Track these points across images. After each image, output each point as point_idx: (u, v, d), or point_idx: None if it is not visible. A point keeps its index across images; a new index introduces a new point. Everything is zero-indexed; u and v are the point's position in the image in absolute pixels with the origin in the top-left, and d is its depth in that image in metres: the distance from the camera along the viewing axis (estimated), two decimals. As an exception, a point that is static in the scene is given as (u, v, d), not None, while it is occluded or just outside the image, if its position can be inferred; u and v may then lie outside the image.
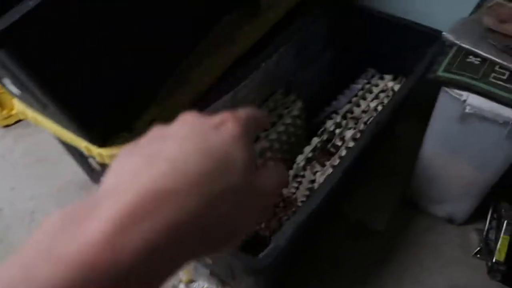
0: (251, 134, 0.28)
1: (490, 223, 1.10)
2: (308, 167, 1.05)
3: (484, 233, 1.09)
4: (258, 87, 1.13)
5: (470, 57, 0.82)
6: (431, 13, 1.21)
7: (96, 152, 0.91)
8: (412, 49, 1.22)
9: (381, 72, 1.32)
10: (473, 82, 0.77)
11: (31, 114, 0.99)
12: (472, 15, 0.90)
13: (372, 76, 1.30)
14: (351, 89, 1.28)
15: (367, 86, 1.26)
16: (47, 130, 1.03)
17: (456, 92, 0.80)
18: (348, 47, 1.35)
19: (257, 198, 0.25)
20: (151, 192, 0.21)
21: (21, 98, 0.89)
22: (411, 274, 1.06)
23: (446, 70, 0.80)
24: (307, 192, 1.10)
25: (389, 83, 1.25)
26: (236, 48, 1.13)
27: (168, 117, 0.93)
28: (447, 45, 0.86)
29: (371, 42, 1.29)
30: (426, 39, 1.15)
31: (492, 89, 0.75)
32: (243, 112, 0.29)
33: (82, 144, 0.92)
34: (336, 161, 1.04)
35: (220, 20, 1.14)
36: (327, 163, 1.03)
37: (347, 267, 1.08)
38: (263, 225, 1.12)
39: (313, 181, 1.06)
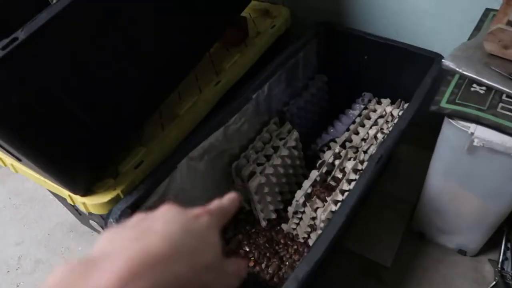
0: (221, 224, 0.34)
1: (504, 253, 1.04)
2: (308, 203, 0.99)
3: (499, 264, 1.03)
4: (250, 119, 1.08)
5: (474, 85, 0.77)
6: (424, 34, 1.17)
7: (79, 201, 0.85)
8: (407, 71, 1.17)
9: (377, 96, 1.27)
10: (481, 113, 0.71)
11: (9, 161, 0.94)
12: (471, 40, 0.85)
13: (369, 101, 1.25)
14: (347, 114, 1.23)
15: (365, 111, 1.21)
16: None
17: (462, 124, 0.75)
18: (340, 72, 1.30)
19: (225, 276, 0.30)
20: (147, 255, 0.24)
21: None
22: (423, 313, 0.99)
23: (450, 101, 0.75)
24: (309, 229, 1.04)
25: (387, 108, 1.19)
26: (224, 80, 1.08)
27: (155, 160, 0.87)
28: (447, 73, 0.81)
29: (364, 65, 1.24)
30: (421, 60, 1.10)
31: (501, 121, 0.70)
32: (214, 207, 0.35)
33: (65, 193, 0.86)
34: (337, 195, 0.97)
35: (206, 51, 1.10)
36: (328, 198, 0.97)
37: (355, 308, 1.01)
38: (263, 265, 1.05)
39: (314, 218, 1.00)
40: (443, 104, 0.75)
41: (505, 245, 1.04)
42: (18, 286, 1.14)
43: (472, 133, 0.73)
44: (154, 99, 0.93)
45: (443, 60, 0.80)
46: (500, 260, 1.03)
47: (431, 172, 0.95)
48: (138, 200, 0.83)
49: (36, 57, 0.58)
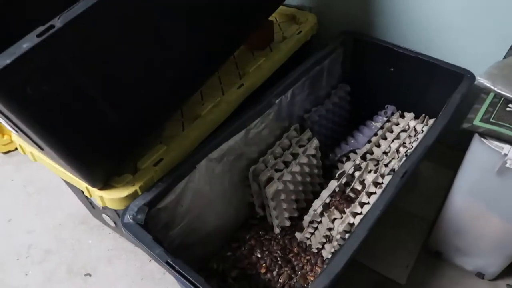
0: None
1: (523, 280, 1.01)
2: (326, 214, 0.97)
3: (518, 291, 1.00)
4: (271, 124, 1.07)
5: (510, 106, 0.74)
6: (454, 50, 1.14)
7: (96, 194, 0.84)
8: (434, 86, 1.15)
9: (400, 109, 1.24)
10: (516, 135, 0.69)
11: (29, 149, 0.93)
12: (508, 59, 0.83)
13: (392, 114, 1.22)
14: (369, 126, 1.21)
15: (387, 124, 1.18)
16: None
17: (495, 144, 0.72)
18: (364, 83, 1.28)
19: None
20: None
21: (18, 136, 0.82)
22: (436, 336, 0.96)
23: (484, 120, 0.73)
24: (324, 240, 1.02)
25: (411, 122, 1.17)
26: (248, 83, 1.07)
27: (174, 158, 0.86)
28: (481, 91, 0.78)
29: (389, 78, 1.22)
30: (449, 76, 1.08)
31: (538, 144, 0.67)
32: None
33: (82, 185, 0.85)
34: (356, 208, 0.95)
35: (232, 54, 1.09)
36: (347, 210, 0.95)
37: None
38: (274, 273, 1.03)
39: (330, 229, 0.98)
40: (477, 122, 0.73)
41: (526, 271, 1.01)
42: (26, 275, 1.14)
43: (506, 154, 0.71)
44: (178, 98, 0.92)
45: (477, 78, 0.78)
46: (520, 286, 1.00)
47: (454, 191, 0.92)
48: (156, 198, 0.82)
49: (70, 46, 0.57)
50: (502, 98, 0.75)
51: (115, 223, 1.10)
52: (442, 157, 1.25)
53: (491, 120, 0.72)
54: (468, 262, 1.04)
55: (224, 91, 1.06)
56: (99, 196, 0.84)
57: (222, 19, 0.92)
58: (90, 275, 1.13)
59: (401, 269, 1.08)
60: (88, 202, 1.11)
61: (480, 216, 0.89)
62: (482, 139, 0.74)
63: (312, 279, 1.02)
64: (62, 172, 0.88)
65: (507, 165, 0.72)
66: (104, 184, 0.83)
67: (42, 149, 0.74)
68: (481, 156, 0.78)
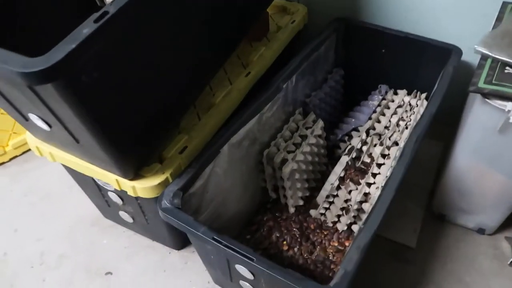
0: None
1: (520, 231, 1.11)
2: (343, 186, 1.03)
3: (516, 241, 1.10)
4: (279, 108, 1.12)
5: (508, 68, 0.83)
6: (439, 28, 1.24)
7: (128, 185, 0.85)
8: (424, 64, 1.24)
9: (392, 88, 1.33)
10: (517, 92, 0.78)
11: (48, 150, 0.93)
12: (496, 29, 0.92)
13: (386, 92, 1.31)
14: (367, 105, 1.28)
15: (384, 102, 1.26)
16: (63, 165, 0.96)
17: (499, 103, 0.81)
18: (356, 66, 1.36)
19: None
20: None
21: (45, 134, 0.82)
22: (451, 289, 1.04)
23: (487, 82, 0.81)
24: (340, 212, 1.08)
25: (405, 98, 1.26)
26: (254, 71, 1.12)
27: (197, 146, 0.90)
28: (481, 58, 0.87)
29: (380, 59, 1.30)
30: (438, 53, 1.17)
31: (537, 98, 0.76)
32: None
33: (111, 178, 0.86)
34: (370, 178, 1.02)
35: (236, 47, 1.13)
36: (362, 181, 1.01)
37: (386, 288, 1.05)
38: (296, 249, 1.08)
39: (347, 201, 1.04)
40: (481, 84, 0.81)
41: (521, 223, 1.11)
42: (44, 281, 1.12)
43: (509, 111, 0.79)
44: (200, 85, 0.96)
45: (475, 46, 0.86)
46: (517, 237, 1.10)
47: (457, 154, 1.01)
48: (187, 183, 0.85)
49: (121, 32, 0.60)
50: (499, 62, 0.84)
51: (133, 218, 1.10)
52: (431, 131, 1.35)
53: (493, 81, 0.81)
54: (470, 220, 1.13)
55: (232, 80, 1.10)
56: (131, 186, 0.85)
57: (234, 13, 0.97)
58: (111, 273, 1.13)
59: (410, 233, 1.16)
60: (104, 201, 1.11)
61: (483, 175, 0.98)
62: (486, 99, 0.82)
63: (331, 251, 1.07)
64: (86, 168, 0.89)
65: (510, 121, 0.80)
66: (135, 174, 0.85)
67: (78, 142, 0.75)
68: (484, 117, 0.86)
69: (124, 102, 0.70)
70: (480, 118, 0.88)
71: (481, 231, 1.14)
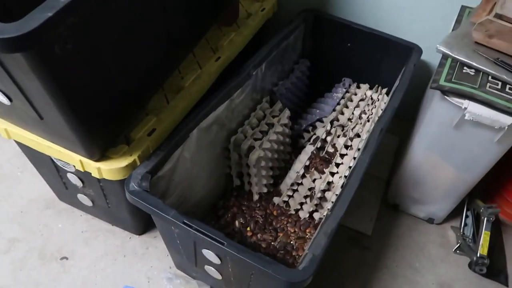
0: None
1: (465, 220, 1.20)
2: (308, 175, 1.06)
3: (461, 230, 1.18)
4: (248, 95, 1.12)
5: (465, 68, 0.89)
6: (402, 26, 1.30)
7: (93, 166, 0.82)
8: (386, 59, 1.29)
9: (355, 81, 1.38)
10: (474, 91, 0.83)
11: (3, 126, 0.87)
12: (456, 31, 0.98)
13: (349, 85, 1.35)
14: (331, 97, 1.32)
15: (347, 94, 1.31)
16: (18, 143, 0.90)
17: (456, 100, 0.86)
18: (322, 58, 1.39)
19: None
20: None
21: (3, 108, 0.77)
22: (403, 275, 1.11)
23: (447, 80, 0.86)
24: (303, 200, 1.11)
25: (367, 92, 1.31)
26: (224, 56, 1.11)
27: (166, 128, 0.89)
28: (442, 57, 0.92)
29: (346, 53, 1.34)
30: (400, 50, 1.23)
31: (491, 98, 0.83)
32: None
33: (75, 158, 0.83)
34: (333, 168, 1.05)
35: (207, 30, 1.11)
36: (326, 170, 1.05)
37: (344, 274, 1.10)
38: (259, 236, 1.10)
39: (311, 189, 1.07)
40: (442, 82, 0.86)
41: (466, 213, 1.20)
42: (-8, 266, 1.06)
43: (465, 108, 0.85)
44: (167, 70, 0.94)
45: (437, 45, 0.91)
46: (462, 226, 1.19)
47: (413, 147, 1.07)
48: (156, 166, 0.83)
49: (99, 4, 0.57)
50: (458, 62, 0.90)
51: (93, 202, 1.07)
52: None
53: (453, 80, 0.86)
54: (421, 210, 1.21)
55: (201, 64, 1.08)
56: (96, 168, 0.82)
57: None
58: (66, 258, 1.08)
59: (367, 222, 1.21)
60: (62, 183, 1.06)
61: (436, 167, 1.05)
62: (445, 96, 0.87)
63: (293, 237, 1.10)
64: (47, 147, 0.84)
65: (466, 118, 0.86)
66: (101, 155, 0.82)
67: (42, 118, 0.71)
68: (441, 112, 0.92)
69: (95, 77, 0.67)
70: (438, 114, 0.94)
71: (430, 220, 1.22)
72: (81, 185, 1.00)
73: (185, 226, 0.73)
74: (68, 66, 0.60)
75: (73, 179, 0.99)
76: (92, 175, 0.84)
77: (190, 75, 1.03)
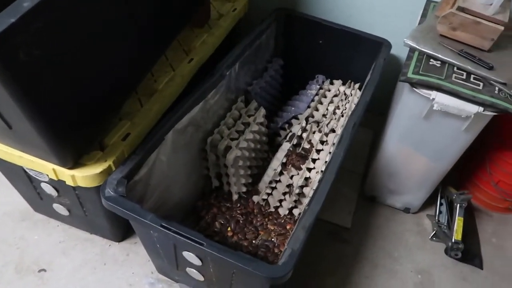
0: None
1: (439, 208, 1.23)
2: (285, 172, 1.07)
3: (436, 217, 1.22)
4: (223, 96, 1.12)
5: (432, 60, 0.92)
6: (371, 22, 1.32)
7: (67, 174, 0.81)
8: (357, 55, 1.32)
9: (328, 78, 1.40)
10: (441, 82, 0.86)
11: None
12: (422, 25, 1.01)
13: (323, 82, 1.37)
14: (305, 94, 1.33)
15: (321, 91, 1.32)
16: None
17: (424, 91, 0.89)
18: (295, 56, 1.40)
19: None
20: None
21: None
22: (383, 265, 1.14)
23: (415, 72, 0.89)
24: (282, 197, 1.12)
25: (341, 88, 1.33)
26: (197, 57, 1.11)
27: (141, 132, 0.89)
28: (409, 50, 0.95)
29: (318, 50, 1.36)
30: (370, 45, 1.25)
31: (457, 88, 0.85)
32: None
33: (48, 167, 0.81)
34: (310, 163, 1.07)
35: (179, 32, 1.11)
36: (303, 166, 1.06)
37: (325, 267, 1.11)
38: (240, 235, 1.10)
39: (289, 186, 1.08)
40: (410, 74, 0.88)
41: (440, 201, 1.24)
42: (-34, 282, 1.02)
43: (433, 99, 0.88)
44: (139, 74, 0.93)
45: (405, 39, 0.94)
46: (436, 214, 1.22)
47: (387, 139, 1.09)
48: (132, 171, 0.83)
49: (63, 8, 0.56)
50: (425, 55, 0.93)
51: (69, 211, 1.05)
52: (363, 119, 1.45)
53: (420, 72, 0.89)
54: (397, 200, 1.24)
55: (174, 66, 1.08)
56: (70, 175, 0.81)
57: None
58: (44, 270, 1.06)
59: (346, 215, 1.23)
60: (36, 193, 1.03)
61: (409, 157, 1.08)
62: (414, 88, 0.90)
63: (274, 235, 1.11)
64: (18, 157, 0.82)
65: (434, 108, 0.89)
66: (75, 162, 0.81)
67: (10, 127, 0.69)
68: (411, 104, 0.94)
69: (63, 83, 0.66)
70: (408, 106, 0.96)
71: (407, 210, 1.25)
72: (56, 194, 0.98)
73: (163, 229, 0.72)
74: (34, 72, 0.58)
75: (47, 189, 0.97)
76: (67, 183, 0.83)
77: (163, 77, 1.03)
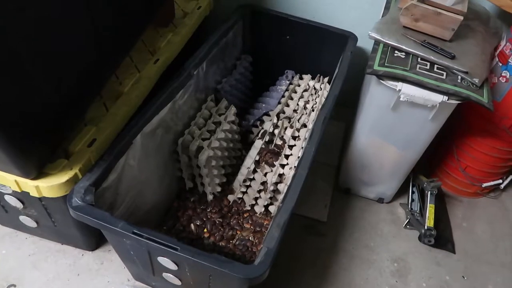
0: None
1: (411, 196, 1.26)
2: (259, 169, 1.06)
3: (409, 206, 1.25)
4: (190, 96, 1.10)
5: (396, 52, 0.93)
6: (336, 16, 1.33)
7: (30, 185, 0.77)
8: (325, 49, 1.33)
9: (298, 73, 1.40)
10: (406, 73, 0.88)
11: None
12: (385, 17, 1.02)
13: (292, 77, 1.37)
14: (275, 90, 1.33)
15: (291, 86, 1.32)
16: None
17: (390, 83, 0.90)
18: (263, 52, 1.40)
19: None
20: None
21: None
22: (360, 256, 1.15)
23: (380, 64, 0.90)
24: (257, 195, 1.11)
25: (310, 82, 1.33)
26: (163, 58, 1.09)
27: (108, 137, 0.86)
28: (374, 43, 0.96)
29: (286, 45, 1.36)
30: (336, 39, 1.26)
31: (422, 78, 0.87)
32: None
33: (9, 179, 0.77)
34: (283, 160, 1.07)
35: (142, 31, 1.08)
36: (276, 162, 1.06)
37: (304, 262, 1.12)
38: (217, 236, 1.09)
39: (263, 183, 1.08)
40: (376, 67, 0.89)
41: (411, 189, 1.27)
42: None
43: (400, 90, 0.89)
44: (101, 76, 0.90)
45: (369, 32, 0.95)
46: (409, 202, 1.25)
47: (357, 131, 1.10)
48: (99, 178, 0.80)
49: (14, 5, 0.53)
50: (389, 47, 0.94)
51: (37, 222, 1.01)
52: (334, 113, 1.46)
53: (386, 64, 0.90)
54: (371, 191, 1.26)
55: (140, 68, 1.05)
56: (34, 186, 0.78)
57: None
58: (14, 285, 1.02)
59: (321, 209, 1.24)
60: (0, 206, 0.99)
61: (380, 148, 1.09)
62: (381, 80, 0.91)
63: (251, 233, 1.10)
64: (-23, 170, 0.78)
65: (401, 99, 0.90)
66: (38, 172, 0.78)
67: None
68: (379, 96, 0.96)
69: (17, 88, 0.62)
70: (376, 98, 0.97)
71: (380, 200, 1.27)
72: (22, 206, 0.94)
73: (135, 236, 0.70)
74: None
75: (12, 201, 0.93)
76: (31, 194, 0.79)
77: (129, 79, 1.00)
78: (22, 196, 0.89)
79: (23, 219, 1.01)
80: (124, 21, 0.92)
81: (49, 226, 1.00)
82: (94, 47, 0.82)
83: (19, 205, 0.94)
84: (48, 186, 0.78)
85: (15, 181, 0.77)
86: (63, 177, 0.79)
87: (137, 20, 0.98)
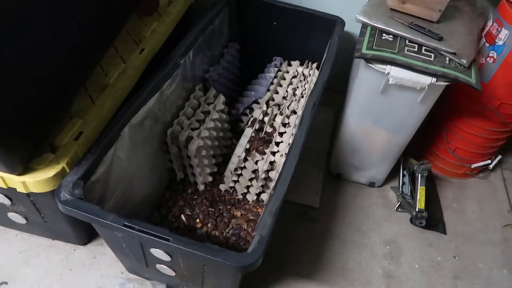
0: None
1: (402, 179, 1.27)
2: (249, 158, 1.05)
3: (400, 189, 1.25)
4: (178, 85, 1.09)
5: (384, 35, 0.92)
6: (324, 0, 1.32)
7: (17, 181, 0.76)
8: (312, 35, 1.31)
9: (286, 59, 1.39)
10: (394, 56, 0.87)
11: None
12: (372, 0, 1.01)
13: (280, 64, 1.36)
14: (264, 78, 1.32)
15: (279, 73, 1.31)
16: None
17: (379, 66, 0.89)
18: (251, 39, 1.38)
19: None
20: None
21: None
22: (353, 240, 1.16)
23: (368, 48, 0.89)
24: (249, 183, 1.11)
25: (298, 68, 1.32)
26: (149, 47, 1.07)
27: (95, 129, 0.85)
28: (362, 26, 0.95)
29: (273, 32, 1.35)
30: (324, 24, 1.25)
31: (410, 61, 0.87)
32: None
33: (-6, 175, 0.76)
34: (274, 147, 1.06)
35: (125, 20, 1.06)
36: (267, 150, 1.05)
37: (297, 248, 1.12)
38: (210, 226, 1.09)
39: (255, 171, 1.07)
40: (364, 50, 0.89)
41: (402, 172, 1.27)
42: None
43: (388, 73, 0.89)
44: (84, 67, 0.88)
45: (357, 15, 0.94)
46: (400, 185, 1.26)
47: (347, 116, 1.10)
48: (88, 171, 0.79)
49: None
50: (377, 30, 0.93)
51: (26, 218, 0.99)
52: (324, 98, 1.45)
53: (374, 47, 0.89)
54: (362, 176, 1.26)
55: (125, 58, 1.03)
56: (20, 182, 0.76)
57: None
58: (6, 283, 1.01)
59: (313, 195, 1.25)
60: (-14, 204, 0.97)
61: (370, 133, 1.09)
62: (369, 64, 0.90)
63: (244, 221, 1.10)
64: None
65: (390, 82, 0.90)
66: (24, 167, 0.76)
67: None
68: (368, 80, 0.95)
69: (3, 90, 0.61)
70: (365, 81, 0.97)
71: (372, 184, 1.28)
72: (9, 203, 0.92)
73: (127, 229, 0.70)
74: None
75: (18, 188, 0.91)
76: (18, 190, 0.78)
77: (114, 70, 0.98)
78: (9, 193, 0.87)
79: (12, 215, 0.99)
80: (106, 8, 0.90)
81: (39, 222, 0.99)
82: (75, 36, 0.80)
83: (6, 201, 0.92)
84: (35, 181, 0.76)
85: (1, 177, 0.76)
86: (50, 172, 0.77)
87: (120, 7, 0.96)
